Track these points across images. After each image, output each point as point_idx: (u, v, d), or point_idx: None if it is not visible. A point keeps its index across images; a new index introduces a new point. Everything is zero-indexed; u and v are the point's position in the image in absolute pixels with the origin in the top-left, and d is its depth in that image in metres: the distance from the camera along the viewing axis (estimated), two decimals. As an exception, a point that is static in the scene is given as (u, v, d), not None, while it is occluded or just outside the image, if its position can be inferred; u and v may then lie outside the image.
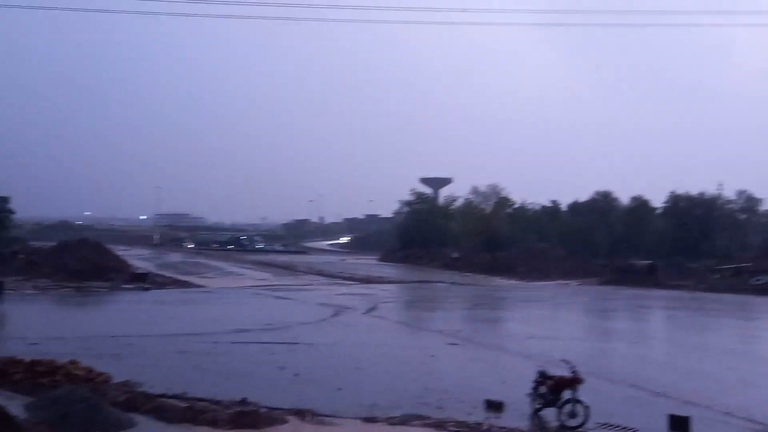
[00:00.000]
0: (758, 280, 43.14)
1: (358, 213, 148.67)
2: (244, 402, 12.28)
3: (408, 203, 79.73)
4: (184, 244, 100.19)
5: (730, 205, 62.28)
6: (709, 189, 62.38)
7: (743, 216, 62.73)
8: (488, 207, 67.45)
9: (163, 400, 12.23)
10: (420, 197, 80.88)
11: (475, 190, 69.58)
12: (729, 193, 62.08)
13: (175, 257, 66.83)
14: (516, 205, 70.72)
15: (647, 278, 46.34)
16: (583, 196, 71.12)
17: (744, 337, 25.50)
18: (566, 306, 35.13)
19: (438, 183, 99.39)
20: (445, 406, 12.59)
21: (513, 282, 49.50)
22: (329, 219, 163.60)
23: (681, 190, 63.24)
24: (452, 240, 71.20)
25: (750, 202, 62.37)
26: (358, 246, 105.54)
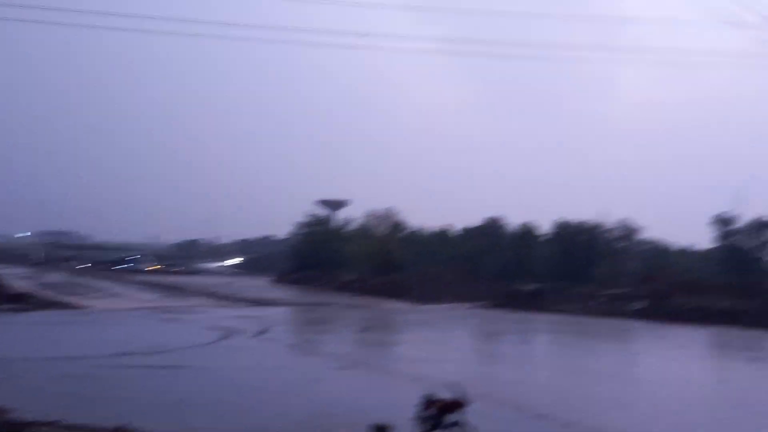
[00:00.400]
0: (635, 305, 45.37)
1: (254, 234, 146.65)
2: (123, 428, 11.88)
3: (303, 225, 79.45)
4: (68, 262, 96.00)
5: (611, 233, 65.27)
6: (594, 216, 65.13)
7: (623, 244, 65.83)
8: (383, 230, 68.14)
9: (38, 427, 11.68)
10: (316, 219, 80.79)
11: (370, 213, 70.12)
12: (610, 221, 65.03)
13: (57, 277, 63.93)
14: (410, 229, 71.74)
15: (534, 302, 47.93)
16: (476, 220, 72.88)
17: (620, 360, 26.73)
18: (455, 329, 35.83)
19: (335, 205, 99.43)
20: (332, 431, 12.59)
21: (406, 305, 50.06)
22: (224, 239, 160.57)
23: (568, 217, 65.78)
24: (347, 263, 71.36)
25: (629, 231, 65.51)
26: (251, 267, 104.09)
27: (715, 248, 61.13)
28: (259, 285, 64.99)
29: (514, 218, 70.13)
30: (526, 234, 67.62)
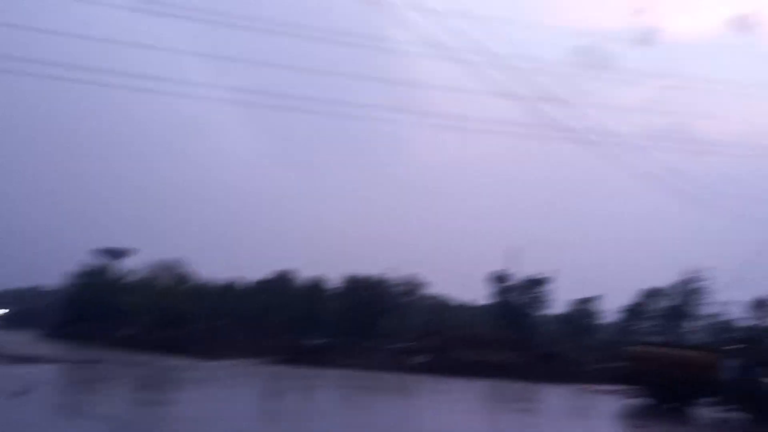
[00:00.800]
0: (418, 359, 46.55)
1: (22, 283, 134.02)
2: None
3: (79, 274, 73.90)
4: None
5: (397, 288, 67.13)
6: (381, 272, 66.62)
7: (408, 298, 67.94)
8: (167, 282, 65.03)
9: None
10: (93, 268, 75.48)
11: (154, 264, 66.70)
12: (397, 276, 66.87)
13: None
14: (197, 281, 69.15)
15: (320, 357, 47.62)
16: (265, 273, 71.81)
17: (398, 414, 26.87)
18: (237, 386, 34.47)
19: (116, 254, 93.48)
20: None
21: (188, 362, 47.62)
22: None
23: (357, 272, 66.72)
24: (126, 316, 67.06)
25: (414, 286, 67.76)
26: (18, 320, 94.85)
27: (492, 304, 64.87)
28: (25, 340, 59.08)
29: (305, 272, 69.97)
30: (316, 288, 67.73)
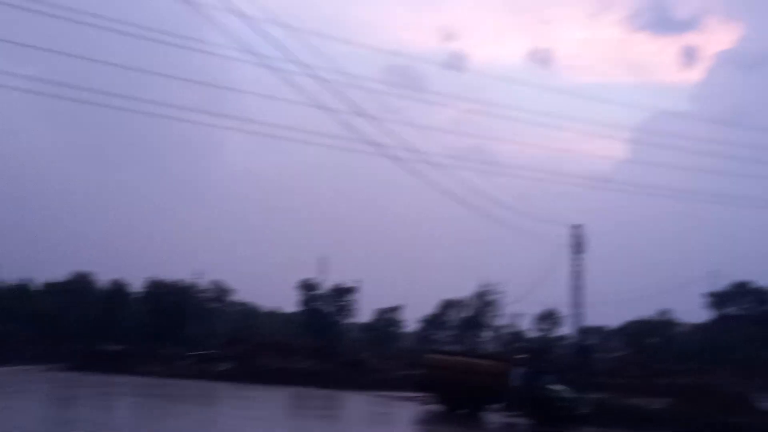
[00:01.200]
0: (222, 366, 45.87)
1: None
2: None
3: None
4: None
5: (204, 294, 65.75)
6: (188, 276, 64.91)
7: (214, 305, 66.75)
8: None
9: None
10: None
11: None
12: (204, 281, 65.51)
13: None
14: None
15: (118, 364, 45.51)
16: (62, 275, 67.47)
17: (202, 421, 26.44)
18: (23, 394, 32.23)
19: None
20: None
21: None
22: None
23: (161, 276, 64.46)
24: None
25: (222, 292, 66.74)
26: None
27: (299, 311, 65.33)
28: None
29: (105, 275, 66.53)
30: (117, 292, 64.74)
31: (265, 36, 24.31)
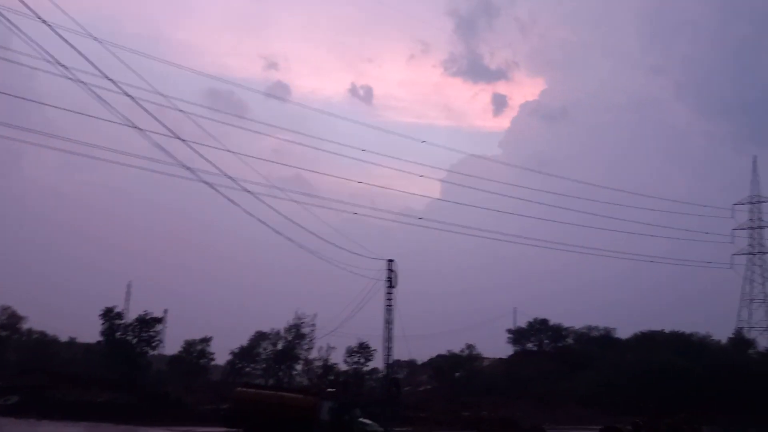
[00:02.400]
0: (7, 400, 42.00)
1: None
2: None
3: None
4: None
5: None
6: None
7: (3, 333, 61.34)
8: None
9: None
10: None
11: None
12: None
13: None
14: None
15: None
16: None
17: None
18: None
19: None
20: None
21: None
22: None
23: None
24: None
25: (12, 319, 61.57)
26: None
27: (102, 341, 61.54)
28: None
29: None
30: None
31: (75, 48, 22.69)
